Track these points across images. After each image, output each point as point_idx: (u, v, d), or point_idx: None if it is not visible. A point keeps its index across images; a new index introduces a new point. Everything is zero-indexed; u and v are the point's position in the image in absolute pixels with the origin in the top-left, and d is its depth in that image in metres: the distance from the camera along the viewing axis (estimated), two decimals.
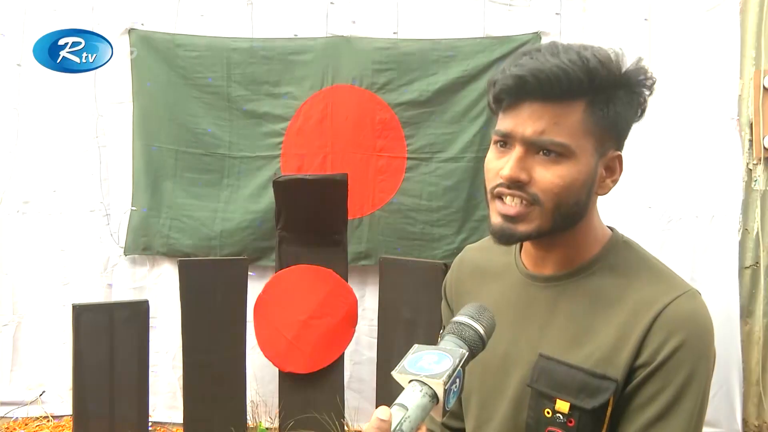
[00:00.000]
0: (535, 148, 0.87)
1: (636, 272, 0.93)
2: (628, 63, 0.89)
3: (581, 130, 0.87)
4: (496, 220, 0.91)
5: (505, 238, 0.91)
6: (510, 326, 0.98)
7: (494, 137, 0.92)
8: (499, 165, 0.90)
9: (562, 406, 0.89)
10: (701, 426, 0.89)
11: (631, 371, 0.87)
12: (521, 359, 0.96)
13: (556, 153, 0.87)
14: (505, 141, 0.90)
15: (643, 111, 0.93)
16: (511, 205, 0.89)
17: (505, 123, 0.90)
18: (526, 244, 1.01)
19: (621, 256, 0.95)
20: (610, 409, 0.87)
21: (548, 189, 0.87)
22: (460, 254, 1.18)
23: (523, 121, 0.87)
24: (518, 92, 0.87)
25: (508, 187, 0.89)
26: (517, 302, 0.99)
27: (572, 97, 0.86)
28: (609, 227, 1.00)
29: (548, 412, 0.90)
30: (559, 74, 0.84)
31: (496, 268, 1.06)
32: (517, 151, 0.88)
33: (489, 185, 0.93)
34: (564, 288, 0.95)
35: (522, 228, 0.90)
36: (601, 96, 0.87)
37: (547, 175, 0.87)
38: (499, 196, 0.90)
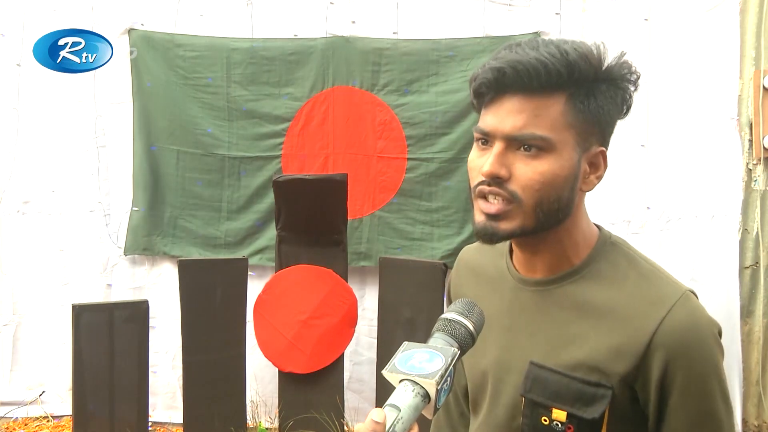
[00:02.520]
0: (516, 143, 0.86)
1: (623, 277, 0.91)
2: (610, 58, 0.88)
3: (562, 123, 0.86)
4: (479, 218, 0.90)
5: (487, 236, 0.89)
6: (503, 332, 0.98)
7: (475, 135, 0.91)
8: (480, 163, 0.89)
9: (559, 415, 0.88)
10: (733, 418, 0.89)
11: (636, 385, 0.86)
12: (513, 366, 0.95)
13: (536, 148, 0.85)
14: (486, 138, 0.89)
15: (628, 107, 0.91)
16: (493, 203, 0.88)
17: (485, 120, 0.89)
18: (515, 248, 0.99)
19: (608, 260, 0.93)
20: (607, 414, 0.87)
21: (528, 185, 0.86)
22: (459, 255, 1.17)
23: (503, 117, 0.86)
24: (498, 85, 0.86)
25: (489, 185, 0.87)
26: (510, 307, 0.98)
27: (552, 90, 0.85)
28: (596, 226, 0.97)
29: (545, 420, 0.90)
30: (537, 66, 0.83)
31: (490, 270, 1.05)
32: (498, 146, 0.87)
33: (472, 184, 0.91)
34: (551, 293, 0.94)
35: (504, 226, 0.88)
36: (582, 89, 0.86)
37: (527, 171, 0.86)
38: (482, 195, 0.89)
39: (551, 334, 0.92)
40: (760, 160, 3.28)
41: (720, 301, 3.18)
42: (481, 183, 0.88)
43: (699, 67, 3.28)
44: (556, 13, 3.41)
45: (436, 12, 3.51)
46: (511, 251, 1.02)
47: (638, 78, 0.90)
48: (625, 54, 0.90)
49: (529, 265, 0.97)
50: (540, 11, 3.43)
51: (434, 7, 3.51)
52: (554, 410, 0.89)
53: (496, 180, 0.87)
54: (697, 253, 3.30)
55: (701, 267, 3.26)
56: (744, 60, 3.30)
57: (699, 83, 3.28)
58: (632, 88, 0.90)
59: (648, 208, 3.36)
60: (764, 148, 3.25)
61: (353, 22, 3.54)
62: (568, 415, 0.88)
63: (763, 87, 3.23)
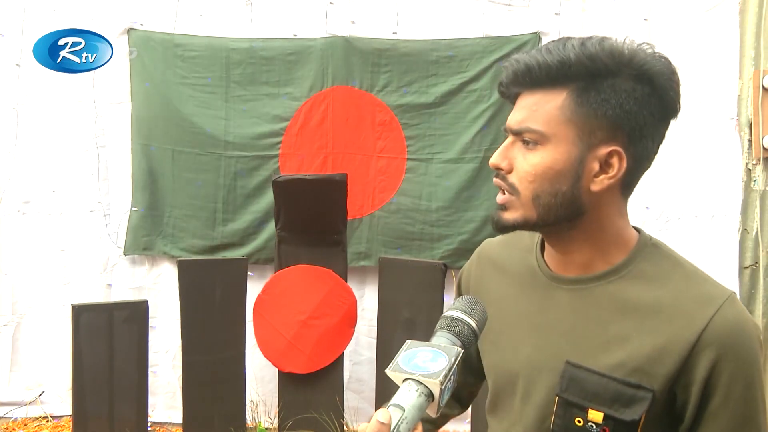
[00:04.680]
0: (519, 137, 0.90)
1: (667, 277, 0.90)
2: (638, 54, 0.86)
3: (560, 118, 0.86)
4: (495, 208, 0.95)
5: (494, 224, 0.94)
6: (534, 331, 0.96)
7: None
8: None
9: (596, 416, 0.87)
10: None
11: (677, 386, 0.85)
12: (547, 365, 0.93)
13: (532, 141, 0.88)
14: (506, 135, 0.94)
15: (665, 104, 0.88)
16: (500, 194, 0.93)
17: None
18: (547, 245, 0.98)
19: (651, 260, 0.92)
20: (643, 417, 0.85)
21: (522, 177, 0.89)
22: (479, 248, 1.15)
23: (514, 113, 0.91)
24: (507, 84, 0.91)
25: (496, 176, 0.93)
26: (542, 305, 0.96)
27: (552, 86, 0.87)
28: (635, 228, 0.97)
29: (579, 421, 0.89)
30: (531, 63, 0.86)
31: (517, 266, 1.03)
32: (507, 140, 0.92)
33: None
34: (590, 292, 0.92)
35: (507, 216, 0.91)
36: (581, 83, 0.86)
37: (523, 164, 0.89)
38: (497, 186, 0.94)
39: (589, 334, 0.90)
40: (759, 160, 3.28)
41: None
42: (495, 175, 0.93)
43: (698, 67, 3.28)
44: (556, 13, 3.41)
45: (436, 12, 3.51)
46: (542, 249, 1.01)
47: (669, 72, 0.87)
48: (650, 47, 0.87)
49: (562, 263, 0.96)
50: (539, 11, 3.43)
51: (434, 8, 3.51)
52: (591, 411, 0.87)
53: (500, 171, 0.92)
54: (697, 253, 3.28)
55: (701, 267, 3.26)
56: (743, 60, 3.30)
57: (698, 83, 3.28)
58: (666, 83, 0.87)
59: (647, 207, 3.36)
60: (764, 148, 3.25)
61: (353, 22, 3.54)
62: (605, 416, 0.86)
63: (763, 87, 3.23)
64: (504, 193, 0.92)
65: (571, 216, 0.90)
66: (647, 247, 0.94)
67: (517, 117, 0.90)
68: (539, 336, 0.95)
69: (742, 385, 0.84)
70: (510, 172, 0.90)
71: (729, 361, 0.83)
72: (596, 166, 0.88)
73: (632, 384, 0.86)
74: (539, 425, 0.94)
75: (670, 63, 0.88)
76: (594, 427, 0.88)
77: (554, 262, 0.97)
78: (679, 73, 0.91)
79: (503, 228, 0.93)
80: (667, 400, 0.86)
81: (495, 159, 0.92)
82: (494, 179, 0.93)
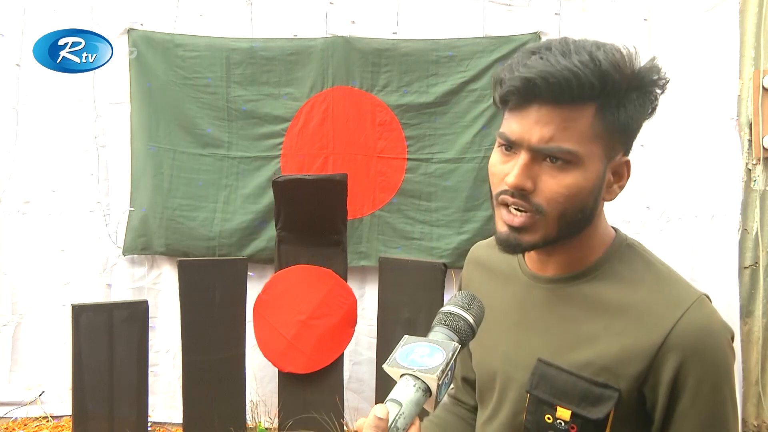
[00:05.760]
0: (542, 155, 0.84)
1: (639, 279, 0.90)
2: (641, 62, 0.86)
3: (590, 136, 0.83)
4: (502, 228, 0.88)
5: (510, 248, 0.89)
6: (512, 328, 0.98)
7: (499, 140, 0.88)
8: (504, 170, 0.86)
9: (564, 413, 0.88)
10: (738, 426, 0.89)
11: (646, 387, 0.86)
12: (521, 362, 0.94)
13: (563, 161, 0.83)
14: (510, 145, 0.87)
15: (654, 109, 0.89)
16: (516, 215, 0.86)
17: (511, 126, 0.86)
18: None
19: (624, 261, 0.92)
20: (611, 416, 0.86)
21: (553, 199, 0.84)
22: (470, 251, 1.16)
23: (530, 127, 0.83)
24: (526, 95, 0.83)
25: (512, 195, 0.85)
26: (521, 304, 0.98)
27: (582, 101, 0.82)
28: (612, 227, 0.97)
29: (549, 418, 0.90)
30: (570, 78, 0.80)
31: (502, 267, 1.05)
32: (523, 157, 0.84)
33: (494, 191, 0.89)
34: (564, 291, 0.93)
35: (527, 238, 0.87)
36: (613, 100, 0.83)
37: (553, 185, 0.84)
38: (505, 204, 0.87)
39: (561, 332, 0.92)
40: (759, 160, 3.28)
41: (719, 301, 3.16)
42: (505, 192, 0.86)
43: (698, 67, 3.28)
44: (556, 14, 3.41)
45: (436, 12, 3.51)
46: None
47: (667, 83, 0.88)
48: (656, 59, 0.87)
49: (541, 264, 0.97)
50: (540, 11, 3.43)
51: (434, 8, 3.51)
52: (559, 408, 0.89)
53: (520, 192, 0.85)
54: (697, 253, 3.30)
55: (701, 267, 3.26)
56: (743, 60, 3.30)
57: (698, 83, 3.28)
58: (659, 92, 0.88)
59: (648, 208, 3.36)
60: (764, 148, 3.25)
61: (353, 22, 3.54)
62: (573, 414, 0.87)
63: (763, 87, 3.23)
64: (519, 212, 0.86)
65: (583, 227, 0.90)
66: (622, 248, 0.94)
67: (542, 134, 0.82)
68: (517, 334, 0.97)
69: (709, 386, 0.84)
70: (533, 191, 0.85)
71: (695, 363, 0.83)
72: (611, 177, 0.89)
73: (599, 383, 0.86)
74: (513, 420, 0.95)
75: (665, 75, 0.88)
76: (562, 424, 0.88)
77: (533, 263, 0.98)
78: (678, 73, 0.92)
79: (522, 250, 0.91)
80: (636, 401, 0.87)
81: (519, 180, 0.84)
82: (510, 198, 0.86)
